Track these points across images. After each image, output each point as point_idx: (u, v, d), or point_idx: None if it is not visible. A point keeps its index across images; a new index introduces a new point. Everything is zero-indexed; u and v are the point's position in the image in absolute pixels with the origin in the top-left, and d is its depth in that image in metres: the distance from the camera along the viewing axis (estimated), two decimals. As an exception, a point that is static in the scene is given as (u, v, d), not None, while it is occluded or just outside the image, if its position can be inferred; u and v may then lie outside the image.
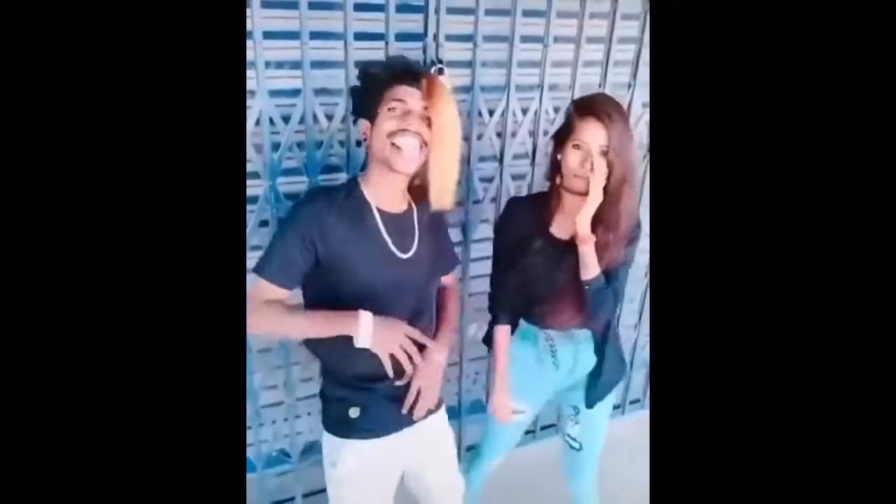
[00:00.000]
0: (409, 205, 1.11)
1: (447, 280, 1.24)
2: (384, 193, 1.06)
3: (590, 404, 1.32)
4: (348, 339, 0.98)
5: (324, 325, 1.00)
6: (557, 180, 1.18)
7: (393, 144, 0.99)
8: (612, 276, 1.17)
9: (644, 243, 1.89)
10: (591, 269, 1.13)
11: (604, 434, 1.40)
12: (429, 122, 1.00)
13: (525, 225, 1.21)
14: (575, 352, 1.28)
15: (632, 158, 1.12)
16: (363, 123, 1.05)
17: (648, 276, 2.02)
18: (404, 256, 1.07)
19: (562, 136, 1.15)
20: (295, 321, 1.02)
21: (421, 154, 1.01)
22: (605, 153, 1.09)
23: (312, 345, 1.10)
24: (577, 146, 1.11)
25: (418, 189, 1.09)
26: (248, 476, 1.62)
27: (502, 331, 1.30)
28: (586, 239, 1.11)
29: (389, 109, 1.00)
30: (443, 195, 1.06)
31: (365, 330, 0.98)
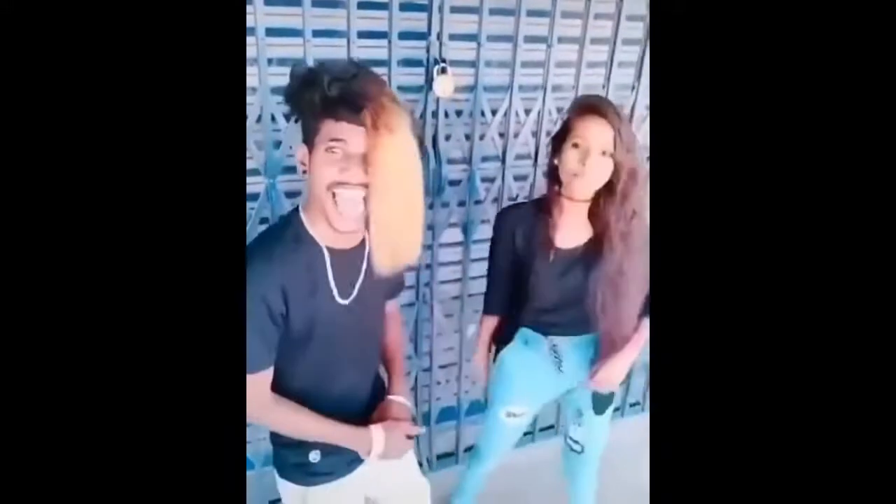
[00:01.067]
0: (363, 237, 0.95)
1: (390, 308, 1.12)
2: (333, 231, 0.89)
3: (600, 410, 1.31)
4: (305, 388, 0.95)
5: (338, 436, 0.96)
6: (556, 188, 1.14)
7: (333, 196, 0.83)
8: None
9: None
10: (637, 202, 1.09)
11: (605, 437, 1.39)
12: (375, 161, 0.81)
13: (527, 237, 1.17)
14: (580, 357, 1.27)
15: (638, 160, 1.08)
16: (300, 149, 0.87)
17: (648, 278, 2.01)
18: (344, 302, 0.93)
19: (560, 139, 1.10)
20: (313, 426, 0.95)
21: (366, 206, 0.84)
22: (605, 153, 1.04)
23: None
24: (575, 145, 1.05)
25: None
26: (247, 473, 1.61)
27: (487, 320, 1.33)
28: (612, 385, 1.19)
29: (327, 150, 0.81)
30: (397, 253, 0.88)
31: (377, 448, 0.98)
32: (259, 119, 1.28)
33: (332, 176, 0.82)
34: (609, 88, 1.64)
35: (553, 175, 1.13)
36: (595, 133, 1.04)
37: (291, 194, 1.38)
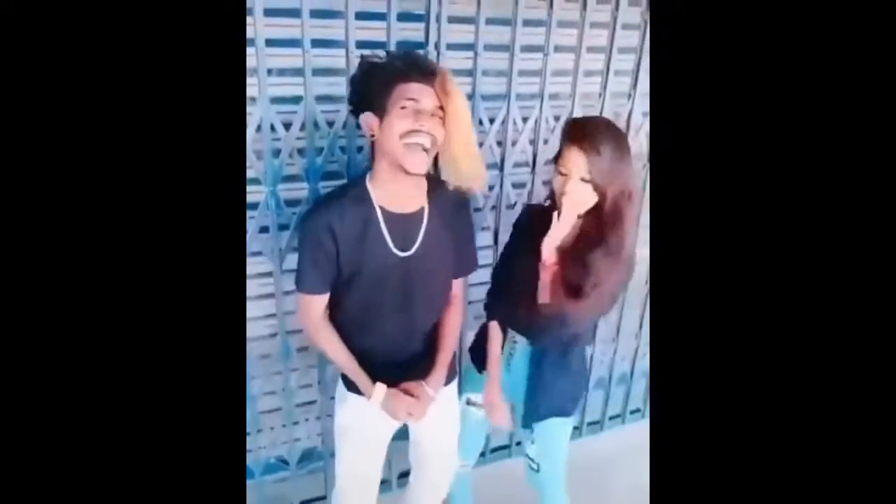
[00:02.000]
0: (422, 205, 1.12)
1: (455, 289, 1.25)
2: (392, 193, 1.08)
3: (525, 423, 1.29)
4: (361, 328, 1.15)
5: (350, 373, 1.16)
6: (554, 202, 1.17)
7: (406, 145, 0.99)
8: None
9: (644, 251, 1.90)
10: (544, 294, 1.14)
11: (564, 453, 1.36)
12: (441, 120, 1.01)
13: (527, 233, 1.21)
14: (528, 363, 1.27)
15: (627, 182, 1.09)
16: (368, 117, 1.03)
17: (649, 284, 2.01)
18: (401, 254, 1.09)
19: (555, 162, 1.15)
20: (339, 356, 1.16)
21: (430, 153, 1.02)
22: (584, 179, 1.07)
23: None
24: (561, 172, 1.11)
25: (439, 185, 1.12)
26: (247, 482, 1.61)
27: (493, 327, 1.30)
28: (546, 264, 1.12)
29: (402, 108, 0.99)
30: (472, 175, 1.07)
31: (375, 398, 1.14)
32: (259, 128, 1.29)
33: (407, 126, 0.98)
34: (605, 97, 1.66)
35: (552, 191, 1.18)
36: (574, 161, 1.08)
37: (291, 203, 1.38)
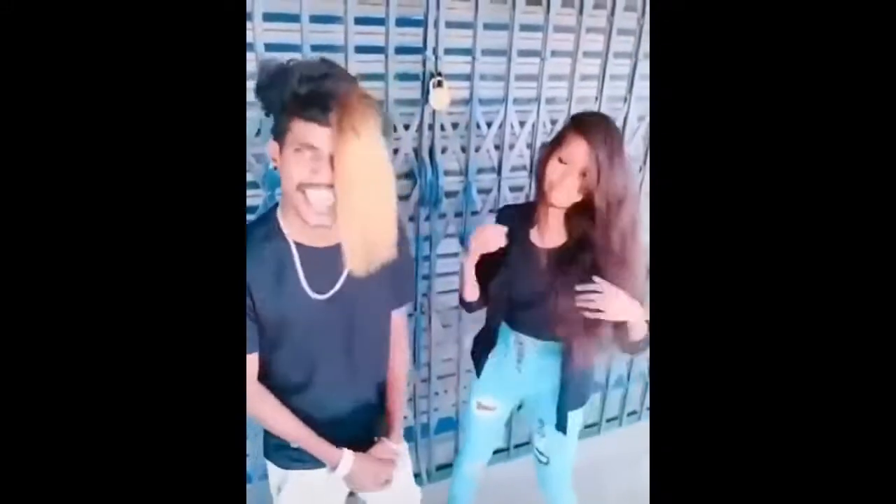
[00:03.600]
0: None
1: (394, 324, 1.09)
2: (305, 228, 0.89)
3: (560, 426, 1.29)
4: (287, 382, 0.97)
5: (308, 444, 0.98)
6: (543, 191, 1.16)
7: (304, 195, 0.84)
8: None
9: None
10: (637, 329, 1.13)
11: (573, 449, 1.37)
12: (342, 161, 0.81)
13: (512, 232, 1.18)
14: (540, 362, 1.27)
15: (622, 181, 1.08)
16: (272, 145, 0.87)
17: (645, 285, 2.02)
18: (321, 298, 0.93)
19: (551, 147, 1.13)
20: (287, 425, 0.97)
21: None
22: (584, 174, 1.07)
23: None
24: (560, 160, 1.09)
25: None
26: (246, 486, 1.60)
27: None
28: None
29: (296, 150, 0.82)
30: (357, 256, 0.88)
31: (343, 469, 0.98)
32: (258, 133, 1.30)
33: (301, 177, 0.82)
34: (602, 100, 1.67)
35: (540, 178, 1.16)
36: (577, 153, 1.07)
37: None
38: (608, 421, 2.20)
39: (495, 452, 1.97)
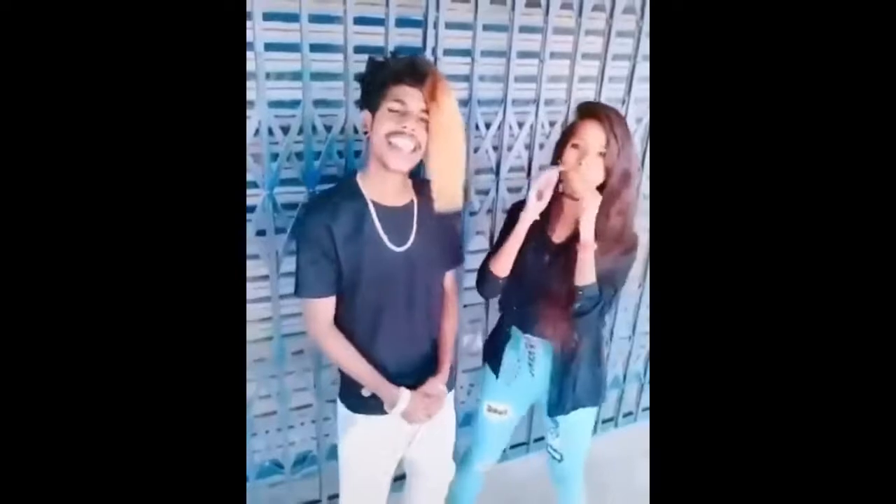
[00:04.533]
0: (412, 199, 1.14)
1: (447, 284, 1.26)
2: (382, 187, 1.10)
3: (550, 412, 1.32)
4: (367, 338, 1.13)
5: (372, 383, 1.13)
6: (559, 187, 1.19)
7: (389, 143, 1.03)
8: (603, 284, 1.16)
9: (638, 254, 1.91)
10: (587, 275, 1.13)
11: (586, 447, 1.41)
12: (427, 124, 1.03)
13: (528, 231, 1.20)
14: (553, 363, 1.29)
15: (631, 163, 1.14)
16: (365, 115, 1.08)
17: (642, 287, 2.03)
18: (398, 250, 1.10)
19: (563, 140, 1.18)
20: (355, 365, 1.13)
21: (415, 155, 1.05)
22: (601, 154, 1.11)
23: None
24: (575, 145, 1.14)
25: (424, 183, 1.13)
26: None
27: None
28: (587, 244, 1.11)
29: (390, 109, 1.03)
30: (444, 196, 1.09)
31: (399, 407, 1.12)
32: (257, 132, 1.30)
33: (392, 126, 1.02)
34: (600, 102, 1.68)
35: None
36: (593, 135, 1.12)
37: (289, 206, 1.39)
38: (604, 422, 2.21)
39: (514, 447, 1.99)
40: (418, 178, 1.17)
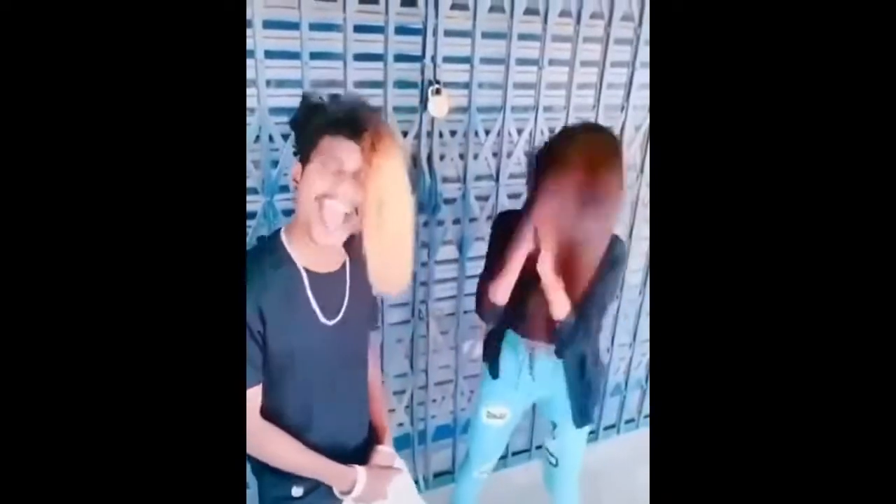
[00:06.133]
0: (344, 261, 0.98)
1: (371, 341, 1.11)
2: (312, 252, 0.92)
3: (580, 424, 1.32)
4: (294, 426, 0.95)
5: (321, 472, 0.97)
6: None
7: (320, 206, 0.85)
8: (586, 305, 1.17)
9: (637, 262, 1.92)
10: (559, 309, 1.15)
11: (581, 451, 1.41)
12: (366, 186, 0.84)
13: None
14: (554, 366, 1.30)
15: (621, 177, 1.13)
16: (296, 165, 0.90)
17: (643, 294, 2.03)
18: (329, 323, 0.95)
19: (545, 156, 1.16)
20: (299, 457, 0.95)
21: (348, 225, 0.88)
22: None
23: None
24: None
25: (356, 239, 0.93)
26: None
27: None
28: (552, 286, 1.12)
29: (322, 164, 0.85)
30: (384, 280, 0.92)
31: (358, 490, 0.98)
32: (257, 139, 1.30)
33: (323, 188, 0.85)
34: (599, 109, 1.69)
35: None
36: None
37: (289, 212, 1.39)
38: (606, 429, 2.20)
39: (516, 453, 1.98)
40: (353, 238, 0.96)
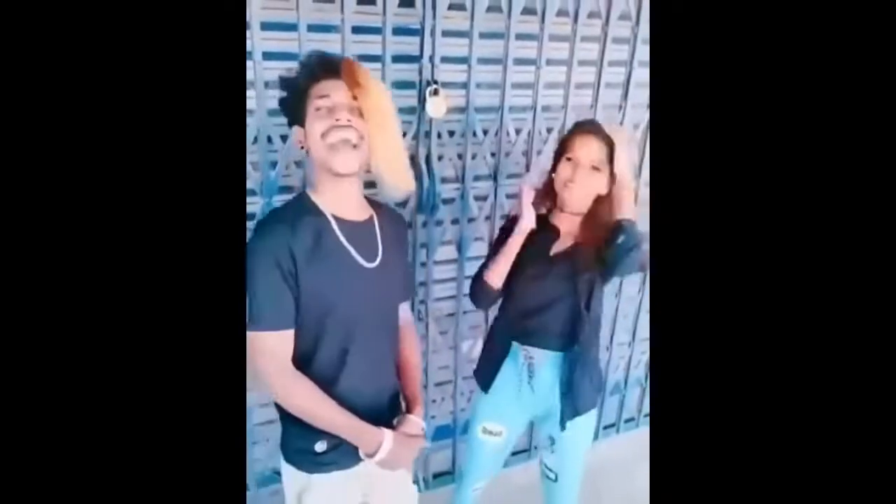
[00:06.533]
0: (371, 214, 1.03)
1: (404, 317, 1.13)
2: (338, 200, 0.97)
3: (562, 420, 1.27)
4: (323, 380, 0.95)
5: (348, 429, 0.96)
6: (551, 203, 1.24)
7: (329, 145, 0.91)
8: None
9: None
10: (628, 210, 1.16)
11: (581, 465, 1.36)
12: (360, 111, 0.94)
13: (524, 245, 1.20)
14: (553, 375, 1.26)
15: (623, 170, 1.18)
16: (296, 130, 0.98)
17: (642, 292, 2.03)
18: (369, 266, 0.98)
19: (556, 158, 1.21)
20: (326, 411, 0.94)
21: (360, 151, 0.93)
22: (594, 167, 1.15)
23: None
24: (569, 158, 1.17)
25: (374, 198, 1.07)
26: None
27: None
28: (624, 182, 1.17)
29: (316, 109, 0.93)
30: (397, 178, 1.01)
31: (382, 453, 0.98)
32: (255, 140, 1.30)
33: (325, 125, 0.92)
34: (597, 108, 1.69)
35: (550, 191, 1.24)
36: (585, 148, 1.16)
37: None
38: (605, 428, 2.20)
39: (515, 453, 1.95)
40: (370, 198, 1.07)
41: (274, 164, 1.34)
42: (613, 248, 1.11)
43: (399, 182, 1.02)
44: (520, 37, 1.50)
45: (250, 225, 1.34)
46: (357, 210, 1.01)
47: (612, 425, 2.23)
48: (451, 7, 1.40)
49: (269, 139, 1.32)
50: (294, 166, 1.37)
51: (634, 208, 1.17)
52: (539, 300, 1.22)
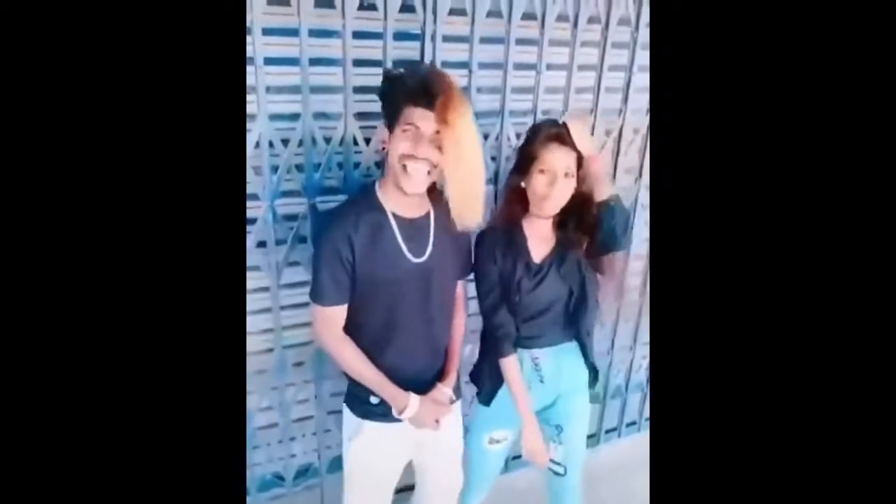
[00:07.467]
0: (428, 210, 1.17)
1: (458, 292, 1.29)
2: (400, 200, 1.12)
3: (593, 384, 1.37)
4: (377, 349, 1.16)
5: (382, 389, 1.16)
6: (522, 207, 1.25)
7: (403, 167, 1.05)
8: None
9: (637, 265, 1.92)
10: (607, 187, 1.20)
11: (583, 456, 1.39)
12: (440, 145, 1.03)
13: (505, 255, 1.24)
14: (559, 364, 1.30)
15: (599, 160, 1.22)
16: (383, 130, 1.11)
17: (643, 297, 2.03)
18: (416, 261, 1.13)
19: (524, 165, 1.22)
20: (367, 371, 1.15)
21: (430, 177, 1.08)
22: (567, 174, 1.17)
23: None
24: (542, 171, 1.18)
25: (440, 193, 1.16)
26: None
27: (511, 362, 1.26)
28: (595, 158, 1.19)
29: (403, 131, 1.05)
30: (464, 215, 1.11)
31: (409, 412, 1.16)
32: (258, 144, 1.31)
33: (405, 150, 1.05)
34: (597, 113, 1.69)
35: (520, 196, 1.24)
36: (557, 160, 1.17)
37: (289, 217, 1.40)
38: (607, 432, 2.20)
39: (517, 457, 1.92)
40: (435, 189, 1.18)
41: (276, 169, 1.34)
42: (607, 227, 1.19)
43: (468, 215, 1.11)
44: (520, 41, 1.51)
45: (250, 228, 1.35)
46: (416, 207, 1.15)
47: (614, 429, 2.22)
48: (451, 12, 1.41)
49: (271, 143, 1.32)
50: (295, 170, 1.37)
51: (611, 183, 1.22)
52: (539, 306, 1.26)
